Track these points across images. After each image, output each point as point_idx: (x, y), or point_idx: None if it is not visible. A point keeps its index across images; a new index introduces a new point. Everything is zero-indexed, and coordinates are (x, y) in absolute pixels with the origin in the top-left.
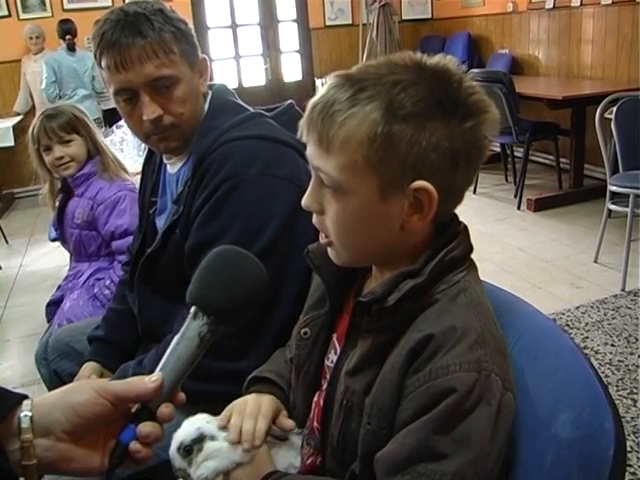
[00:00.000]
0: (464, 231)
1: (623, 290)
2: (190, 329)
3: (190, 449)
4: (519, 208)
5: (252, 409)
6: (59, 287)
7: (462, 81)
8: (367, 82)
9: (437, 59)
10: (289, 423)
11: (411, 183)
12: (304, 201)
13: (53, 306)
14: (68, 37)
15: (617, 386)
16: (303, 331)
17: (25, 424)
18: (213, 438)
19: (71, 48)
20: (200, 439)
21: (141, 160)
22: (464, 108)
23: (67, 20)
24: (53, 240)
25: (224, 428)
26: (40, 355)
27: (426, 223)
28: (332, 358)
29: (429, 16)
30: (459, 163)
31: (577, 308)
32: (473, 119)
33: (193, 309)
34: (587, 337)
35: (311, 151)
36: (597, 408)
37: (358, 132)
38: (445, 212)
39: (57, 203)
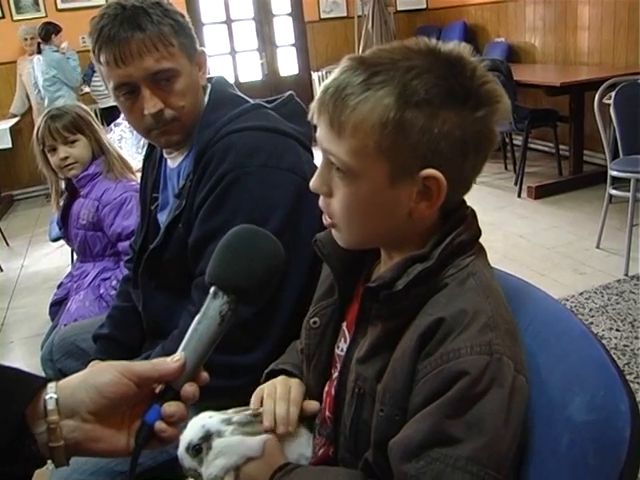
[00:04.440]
0: (472, 215)
1: (626, 275)
2: (210, 309)
3: (199, 448)
4: (519, 196)
5: (282, 393)
6: (60, 285)
7: (476, 70)
8: (381, 67)
9: (452, 46)
10: (313, 405)
11: (421, 171)
12: (312, 183)
13: (57, 306)
14: (37, 40)
15: (623, 371)
16: (312, 321)
17: (51, 406)
18: (220, 434)
19: (38, 52)
20: (207, 437)
21: (140, 157)
22: (476, 97)
23: (46, 23)
24: (54, 240)
25: (239, 421)
26: (46, 357)
27: (434, 211)
28: (342, 347)
29: (424, 6)
30: (469, 152)
31: (581, 294)
32: (484, 108)
33: (212, 289)
34: (592, 323)
35: (321, 134)
36: (612, 390)
37: (370, 117)
38: (453, 200)
39: (61, 203)
